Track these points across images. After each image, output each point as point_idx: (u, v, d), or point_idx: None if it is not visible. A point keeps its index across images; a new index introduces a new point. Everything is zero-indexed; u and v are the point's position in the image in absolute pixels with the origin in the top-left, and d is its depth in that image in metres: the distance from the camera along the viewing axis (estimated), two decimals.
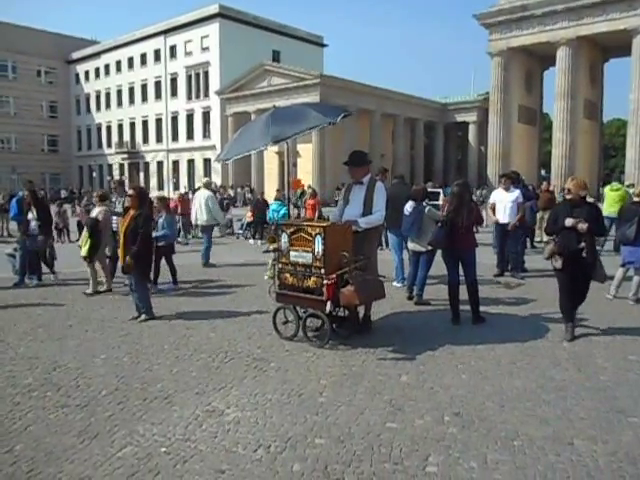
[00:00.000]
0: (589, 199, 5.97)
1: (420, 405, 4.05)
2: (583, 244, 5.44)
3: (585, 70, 37.80)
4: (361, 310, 6.05)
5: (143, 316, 6.70)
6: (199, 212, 11.36)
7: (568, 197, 5.81)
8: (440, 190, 17.82)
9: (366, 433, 3.61)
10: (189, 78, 48.62)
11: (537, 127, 44.22)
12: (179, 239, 17.58)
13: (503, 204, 9.22)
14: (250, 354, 5.34)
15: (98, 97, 58.42)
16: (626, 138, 35.43)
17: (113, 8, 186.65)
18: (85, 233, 8.57)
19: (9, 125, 56.09)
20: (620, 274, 7.60)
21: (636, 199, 7.70)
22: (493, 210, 9.45)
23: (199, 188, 13.25)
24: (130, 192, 6.90)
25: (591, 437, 3.51)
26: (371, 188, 5.95)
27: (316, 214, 14.62)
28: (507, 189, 9.25)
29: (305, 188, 25.29)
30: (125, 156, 55.39)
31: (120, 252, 6.72)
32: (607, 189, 13.55)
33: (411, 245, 7.73)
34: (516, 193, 9.22)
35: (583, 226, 5.36)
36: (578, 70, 35.90)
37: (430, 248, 7.23)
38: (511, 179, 9.48)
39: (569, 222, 5.43)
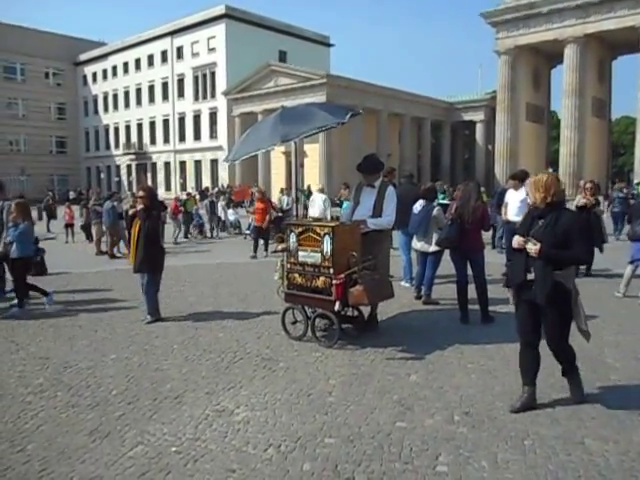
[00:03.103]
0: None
1: (430, 404, 4.05)
2: (532, 275, 3.82)
3: (593, 68, 37.57)
4: (367, 309, 6.05)
5: (148, 317, 6.72)
6: (318, 212, 11.62)
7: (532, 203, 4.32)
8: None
9: (376, 432, 3.61)
10: (196, 79, 48.76)
11: (545, 125, 44.01)
12: (181, 238, 17.67)
13: (513, 204, 9.20)
14: (259, 354, 5.35)
15: (106, 98, 58.72)
16: (635, 136, 35.20)
17: (120, 10, 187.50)
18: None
19: (18, 127, 56.49)
20: (629, 272, 7.55)
21: None
22: (505, 210, 9.46)
23: (206, 189, 13.24)
24: (140, 193, 6.94)
25: (602, 436, 3.49)
26: (382, 192, 5.97)
27: (267, 219, 13.44)
28: (516, 189, 9.24)
29: (254, 191, 22.37)
30: (133, 157, 55.65)
31: (132, 252, 6.73)
32: None
33: (418, 245, 7.72)
34: (524, 192, 9.18)
35: (532, 247, 3.74)
36: (586, 68, 35.69)
37: (438, 249, 7.23)
38: (518, 179, 9.44)
39: (515, 242, 3.89)
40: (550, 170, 41.72)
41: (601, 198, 9.20)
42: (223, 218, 19.88)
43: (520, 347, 4.09)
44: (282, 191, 22.02)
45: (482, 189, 8.67)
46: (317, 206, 11.98)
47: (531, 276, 3.82)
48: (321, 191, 13.02)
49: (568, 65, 35.49)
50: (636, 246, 7.42)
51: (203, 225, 19.10)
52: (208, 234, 18.98)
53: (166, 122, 52.39)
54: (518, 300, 4.00)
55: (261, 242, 13.20)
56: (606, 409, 3.91)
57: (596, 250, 8.69)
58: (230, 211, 20.65)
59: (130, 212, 7.21)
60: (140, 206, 6.71)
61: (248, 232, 18.16)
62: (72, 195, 44.39)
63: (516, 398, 4.00)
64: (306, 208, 22.48)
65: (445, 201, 10.65)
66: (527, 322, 3.98)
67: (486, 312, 6.42)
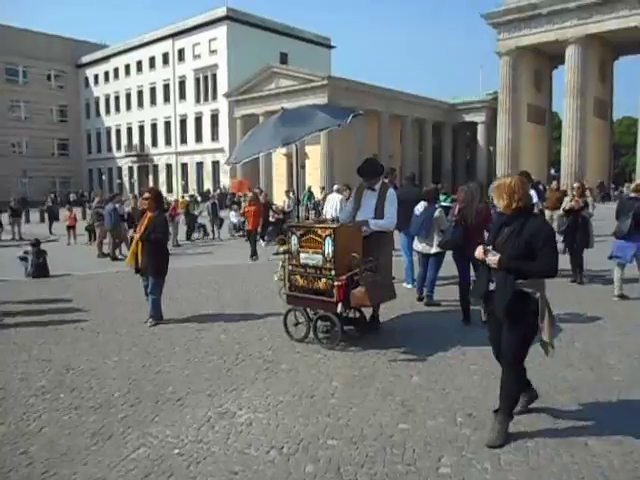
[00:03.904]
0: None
1: (432, 406, 4.04)
2: (493, 285, 3.57)
3: (595, 68, 37.56)
4: (369, 310, 6.05)
5: (151, 320, 6.73)
6: (334, 212, 11.62)
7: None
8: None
9: (378, 434, 3.61)
10: (197, 81, 48.84)
11: (547, 126, 43.99)
12: (182, 240, 17.68)
13: None
14: (261, 356, 5.35)
15: (107, 101, 58.83)
16: (637, 136, 35.16)
17: (122, 12, 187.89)
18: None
19: (20, 129, 56.61)
20: (617, 274, 7.54)
21: (632, 194, 7.67)
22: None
23: (208, 191, 13.19)
24: (146, 195, 6.96)
25: (605, 438, 3.48)
26: (383, 195, 5.97)
27: (260, 222, 13.19)
28: None
29: (248, 192, 20.96)
30: (134, 159, 55.72)
31: (139, 255, 6.71)
32: None
33: (419, 247, 7.71)
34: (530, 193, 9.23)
35: (491, 259, 3.45)
36: (587, 68, 35.68)
37: (440, 250, 7.22)
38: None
39: (476, 252, 3.58)
40: (552, 171, 41.75)
41: (590, 200, 9.00)
42: (235, 221, 19.85)
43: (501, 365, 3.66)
44: (287, 193, 21.94)
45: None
46: (332, 207, 11.92)
47: (493, 286, 3.54)
48: (338, 191, 12.91)
49: (569, 66, 35.48)
50: (618, 243, 7.44)
51: (205, 226, 19.13)
52: (211, 235, 19.03)
53: (167, 124, 52.46)
54: (488, 312, 3.69)
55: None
56: (609, 410, 3.90)
57: (592, 250, 8.73)
58: (232, 213, 20.66)
59: (140, 208, 7.20)
60: (147, 208, 6.75)
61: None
62: (73, 197, 44.45)
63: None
64: (308, 210, 22.56)
65: (446, 203, 10.64)
66: (497, 338, 3.61)
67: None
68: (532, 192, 9.17)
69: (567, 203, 9.00)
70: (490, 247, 3.53)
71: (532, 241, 3.38)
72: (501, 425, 3.50)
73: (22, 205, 29.15)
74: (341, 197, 11.79)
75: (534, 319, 3.43)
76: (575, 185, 9.41)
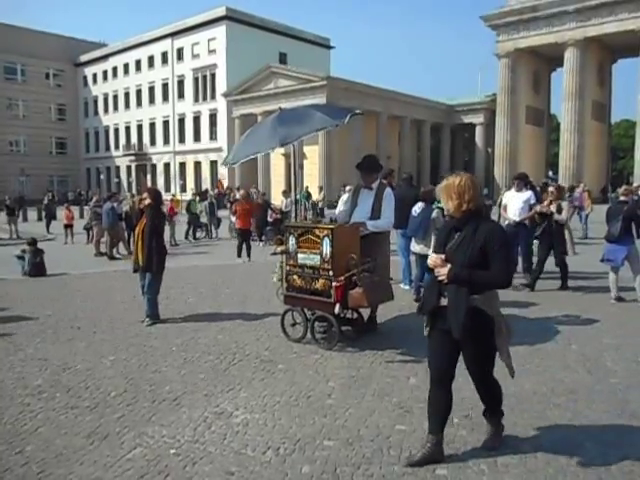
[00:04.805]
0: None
1: None
2: (445, 300, 3.16)
3: (593, 71, 37.65)
4: (366, 311, 6.04)
5: (147, 320, 6.72)
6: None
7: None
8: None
9: (375, 435, 3.60)
10: (196, 80, 48.81)
11: (545, 128, 44.09)
12: (180, 239, 17.67)
13: (515, 205, 9.19)
14: (258, 356, 5.34)
15: (106, 99, 58.76)
16: (635, 139, 35.24)
17: (121, 11, 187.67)
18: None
19: (18, 127, 56.52)
20: (612, 277, 7.56)
21: (622, 198, 7.68)
22: (505, 210, 9.44)
23: (206, 191, 13.27)
24: (145, 194, 6.99)
25: (602, 440, 3.48)
26: (380, 194, 5.95)
27: (252, 222, 13.06)
28: (519, 190, 9.24)
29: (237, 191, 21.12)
30: (132, 158, 55.67)
31: (139, 252, 6.71)
32: None
33: (417, 248, 7.71)
34: (528, 194, 9.20)
35: (440, 271, 3.12)
36: (586, 71, 35.77)
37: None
38: (523, 180, 9.45)
39: (429, 260, 3.24)
40: (550, 174, 41.80)
41: (565, 204, 8.57)
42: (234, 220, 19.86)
43: (430, 384, 3.32)
44: (284, 193, 21.83)
45: (485, 191, 8.62)
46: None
47: (445, 301, 3.15)
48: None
49: (568, 68, 35.57)
50: (609, 247, 7.47)
51: (207, 225, 19.14)
52: (213, 235, 19.07)
53: (166, 123, 52.43)
54: (431, 328, 3.27)
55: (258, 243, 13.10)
56: (606, 413, 3.90)
57: (589, 254, 8.73)
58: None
59: (140, 206, 7.23)
60: (147, 201, 6.75)
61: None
62: (71, 196, 44.37)
63: (418, 447, 3.32)
64: (306, 210, 22.53)
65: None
66: (441, 355, 3.23)
67: None
68: (530, 194, 9.19)
69: (539, 206, 8.74)
70: (442, 255, 3.17)
71: (486, 247, 3.05)
72: (495, 423, 3.45)
73: (19, 204, 29.14)
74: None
75: (491, 337, 3.16)
76: (550, 189, 9.12)
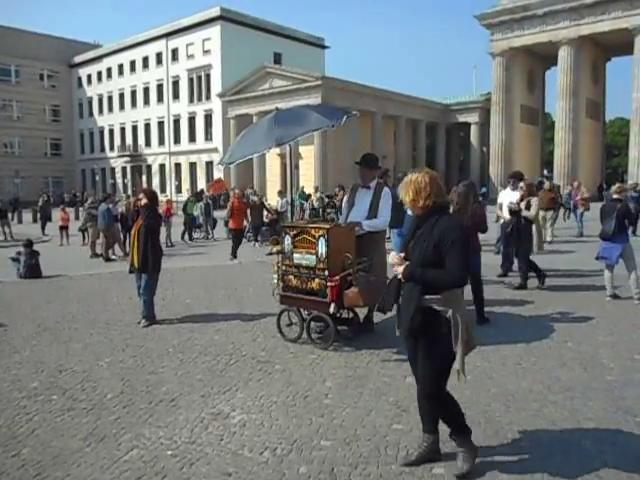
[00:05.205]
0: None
1: None
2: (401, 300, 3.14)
3: (587, 69, 37.78)
4: (362, 311, 6.04)
5: (144, 321, 6.70)
6: None
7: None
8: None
9: (372, 435, 3.61)
10: (191, 81, 48.70)
11: (539, 127, 44.20)
12: (177, 240, 17.64)
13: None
14: (255, 356, 5.34)
15: (100, 100, 58.57)
16: (629, 137, 35.37)
17: (115, 12, 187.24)
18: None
19: (12, 129, 56.27)
20: (607, 275, 7.59)
21: (615, 196, 7.71)
22: (501, 209, 9.44)
23: (201, 191, 13.26)
24: (141, 195, 6.98)
25: (599, 438, 3.50)
26: (378, 193, 5.94)
27: (245, 223, 13.05)
28: (514, 189, 9.25)
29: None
30: (127, 159, 55.50)
31: (134, 253, 6.70)
32: None
33: None
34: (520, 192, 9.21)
35: (397, 269, 3.09)
36: (580, 69, 35.89)
37: None
38: (518, 179, 9.46)
39: (390, 258, 3.18)
40: (545, 172, 41.91)
41: (534, 200, 8.32)
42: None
43: (417, 385, 3.27)
44: (280, 194, 21.78)
45: (484, 189, 8.54)
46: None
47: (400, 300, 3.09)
48: None
49: (562, 67, 35.67)
50: (604, 245, 7.51)
51: (204, 226, 19.14)
52: (210, 234, 19.05)
53: (161, 124, 52.28)
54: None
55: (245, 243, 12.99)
56: (602, 410, 3.91)
57: (584, 251, 8.75)
58: None
59: (137, 205, 7.23)
60: (144, 201, 6.74)
61: (249, 234, 18.16)
62: (67, 198, 44.22)
63: (415, 447, 3.28)
64: (303, 210, 22.52)
65: None
66: (415, 356, 3.19)
67: (482, 313, 6.43)
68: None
69: (509, 202, 8.57)
70: (402, 254, 3.13)
71: (440, 244, 2.94)
72: (465, 444, 3.15)
73: (14, 205, 29.04)
74: None
75: (447, 343, 2.97)
76: (520, 185, 9.00)
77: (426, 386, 3.10)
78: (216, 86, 45.73)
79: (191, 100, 48.90)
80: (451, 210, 6.57)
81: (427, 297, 2.98)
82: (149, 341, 5.98)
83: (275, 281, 6.08)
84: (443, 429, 3.27)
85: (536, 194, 8.35)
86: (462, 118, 48.14)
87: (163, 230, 17.14)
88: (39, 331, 6.49)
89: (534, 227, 7.98)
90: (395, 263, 3.10)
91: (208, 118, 47.68)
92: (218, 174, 44.28)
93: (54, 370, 5.05)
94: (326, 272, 5.31)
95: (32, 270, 10.66)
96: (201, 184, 47.13)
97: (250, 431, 3.71)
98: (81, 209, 25.61)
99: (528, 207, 8.26)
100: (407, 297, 3.06)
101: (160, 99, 51.88)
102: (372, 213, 5.87)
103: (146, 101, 53.35)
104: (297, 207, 21.70)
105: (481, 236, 6.78)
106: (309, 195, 25.71)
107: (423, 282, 2.98)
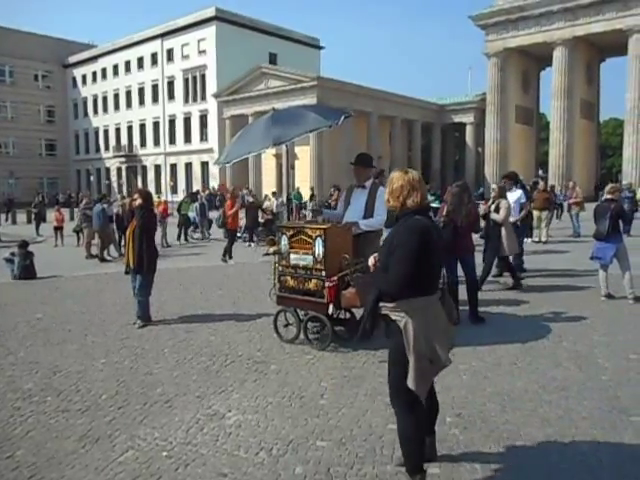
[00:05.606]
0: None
1: None
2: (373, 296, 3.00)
3: (581, 70, 37.94)
4: (359, 311, 6.04)
5: (139, 322, 6.68)
6: None
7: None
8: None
9: (368, 435, 3.60)
10: (186, 81, 48.60)
11: (534, 127, 44.35)
12: (173, 241, 17.61)
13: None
14: (251, 357, 5.32)
15: (95, 101, 58.40)
16: (623, 137, 35.52)
17: (110, 12, 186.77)
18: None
19: (7, 130, 56.01)
20: (602, 275, 7.61)
21: (608, 196, 7.73)
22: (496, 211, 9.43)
23: (197, 192, 13.23)
24: (135, 196, 6.96)
25: (594, 437, 3.51)
26: (373, 193, 5.94)
27: (241, 222, 13.10)
28: (509, 189, 9.25)
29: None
30: (123, 160, 55.36)
31: (130, 253, 6.68)
32: None
33: None
34: (518, 193, 9.25)
35: (370, 264, 3.10)
36: (574, 70, 36.04)
37: None
38: (512, 179, 9.48)
39: (370, 260, 3.16)
40: (540, 172, 42.01)
41: (504, 202, 8.05)
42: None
43: None
44: (274, 194, 21.76)
45: (481, 190, 8.48)
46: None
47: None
48: None
49: (557, 67, 35.81)
50: (598, 245, 7.54)
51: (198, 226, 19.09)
52: (206, 235, 19.00)
53: (156, 124, 52.16)
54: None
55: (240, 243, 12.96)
56: (597, 409, 3.92)
57: (579, 251, 8.77)
58: None
59: (132, 205, 7.21)
60: (138, 201, 6.72)
61: (238, 235, 18.14)
62: (61, 198, 44.05)
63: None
64: (299, 211, 22.56)
65: (435, 204, 10.65)
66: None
67: (476, 313, 6.44)
68: (520, 193, 9.22)
69: (481, 205, 8.39)
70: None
71: (390, 247, 2.81)
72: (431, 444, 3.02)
73: (8, 206, 28.92)
74: None
75: (400, 349, 2.84)
76: (493, 186, 8.85)
77: (390, 391, 3.03)
78: (211, 86, 45.68)
79: (186, 100, 48.82)
80: (445, 211, 6.63)
81: (382, 304, 2.89)
82: (144, 342, 5.96)
83: (272, 282, 6.08)
84: (440, 429, 3.27)
85: (506, 197, 8.26)
86: (457, 118, 48.30)
87: (159, 231, 17.17)
88: (33, 332, 6.46)
89: (503, 230, 7.87)
90: (371, 265, 3.06)
91: (203, 118, 47.61)
92: (212, 176, 44.35)
93: (48, 371, 5.03)
94: (323, 272, 5.31)
95: (26, 271, 10.61)
96: (197, 185, 47.07)
97: (246, 432, 3.70)
98: (76, 210, 25.51)
99: (497, 210, 8.04)
100: (369, 301, 3.00)
101: (155, 99, 51.78)
102: (368, 213, 5.87)
103: (141, 101, 53.23)
104: (294, 207, 21.68)
105: (475, 236, 6.79)
106: (299, 194, 25.72)
107: (376, 287, 2.91)
